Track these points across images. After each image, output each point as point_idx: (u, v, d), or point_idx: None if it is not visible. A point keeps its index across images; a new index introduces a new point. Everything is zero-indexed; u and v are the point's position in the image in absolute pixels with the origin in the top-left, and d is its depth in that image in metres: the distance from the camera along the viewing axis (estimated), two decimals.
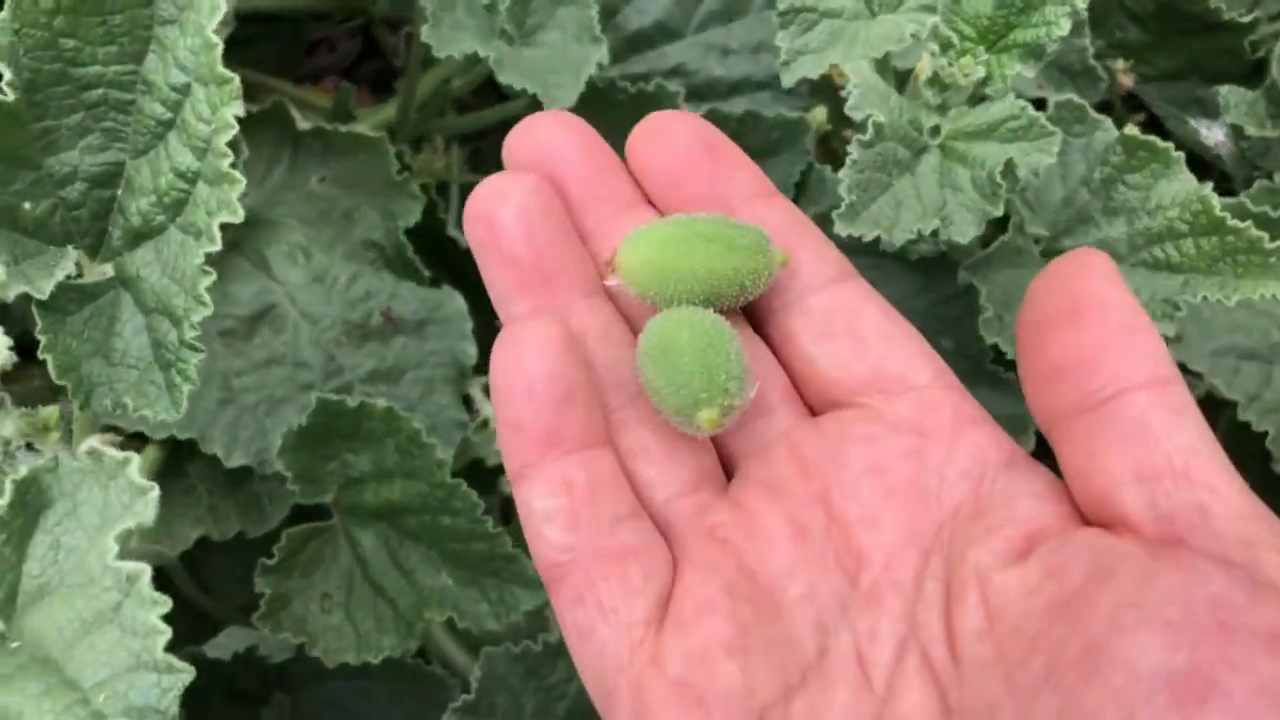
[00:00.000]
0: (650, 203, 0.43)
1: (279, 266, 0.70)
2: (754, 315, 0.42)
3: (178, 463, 0.70)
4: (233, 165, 0.39)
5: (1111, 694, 0.29)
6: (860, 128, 0.57)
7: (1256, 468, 0.74)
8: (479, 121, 0.94)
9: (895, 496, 0.37)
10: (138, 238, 0.44)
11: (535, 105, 0.81)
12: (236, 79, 0.39)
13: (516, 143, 0.42)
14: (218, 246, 0.40)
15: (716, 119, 0.77)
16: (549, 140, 0.42)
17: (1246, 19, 0.92)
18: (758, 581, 0.37)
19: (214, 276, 0.41)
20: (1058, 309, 0.35)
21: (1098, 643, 0.30)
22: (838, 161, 0.87)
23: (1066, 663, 0.31)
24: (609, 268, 0.41)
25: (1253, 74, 0.93)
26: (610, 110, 0.78)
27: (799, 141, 0.77)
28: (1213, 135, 0.96)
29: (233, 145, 0.40)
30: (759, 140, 0.78)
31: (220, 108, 0.39)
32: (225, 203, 0.40)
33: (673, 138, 0.42)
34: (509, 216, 0.39)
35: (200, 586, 0.74)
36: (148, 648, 0.32)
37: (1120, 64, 0.96)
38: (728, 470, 0.41)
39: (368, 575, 0.63)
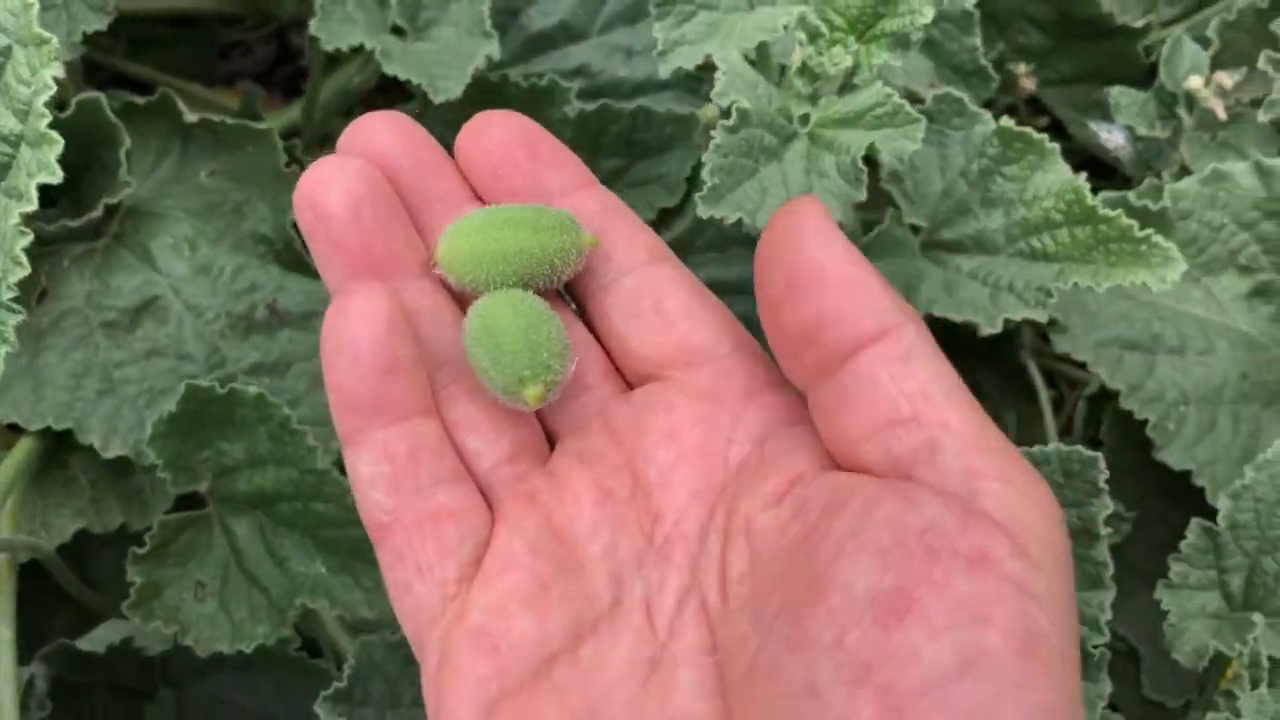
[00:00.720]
0: (479, 199, 0.44)
1: (163, 259, 0.70)
2: (575, 298, 0.45)
3: (59, 454, 0.69)
4: (51, 126, 0.39)
5: (828, 616, 0.32)
6: (726, 114, 0.58)
7: (1140, 455, 0.75)
8: None
9: (687, 458, 0.39)
10: None
11: (427, 100, 0.81)
12: (54, 39, 0.39)
13: (347, 145, 0.43)
14: (34, 207, 0.40)
15: (610, 114, 0.78)
16: (379, 142, 0.43)
17: (1140, 24, 0.94)
18: (563, 540, 0.39)
19: (31, 237, 0.41)
20: (781, 282, 0.36)
21: (822, 571, 0.33)
22: None
23: (798, 592, 0.33)
24: (432, 261, 0.42)
25: (1147, 77, 0.95)
26: (503, 105, 0.78)
27: (690, 136, 0.78)
28: (1113, 138, 0.98)
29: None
30: (652, 136, 0.78)
31: (40, 69, 0.39)
32: (45, 164, 0.40)
33: (496, 136, 0.44)
34: (335, 201, 0.40)
35: (86, 581, 0.73)
36: None
37: (1022, 67, 0.98)
38: (551, 445, 0.43)
39: (242, 564, 0.62)
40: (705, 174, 0.56)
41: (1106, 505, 0.58)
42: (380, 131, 0.43)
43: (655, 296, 0.42)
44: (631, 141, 0.78)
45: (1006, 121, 0.69)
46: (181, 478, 0.62)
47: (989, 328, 0.66)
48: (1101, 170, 0.99)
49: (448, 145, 0.82)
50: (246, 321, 0.70)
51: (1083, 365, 0.78)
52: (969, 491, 0.33)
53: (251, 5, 1.04)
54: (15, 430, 0.67)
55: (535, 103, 0.78)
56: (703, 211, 0.56)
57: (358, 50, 0.73)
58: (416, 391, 0.39)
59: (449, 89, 0.71)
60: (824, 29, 0.61)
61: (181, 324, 0.69)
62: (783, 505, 0.36)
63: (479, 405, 0.41)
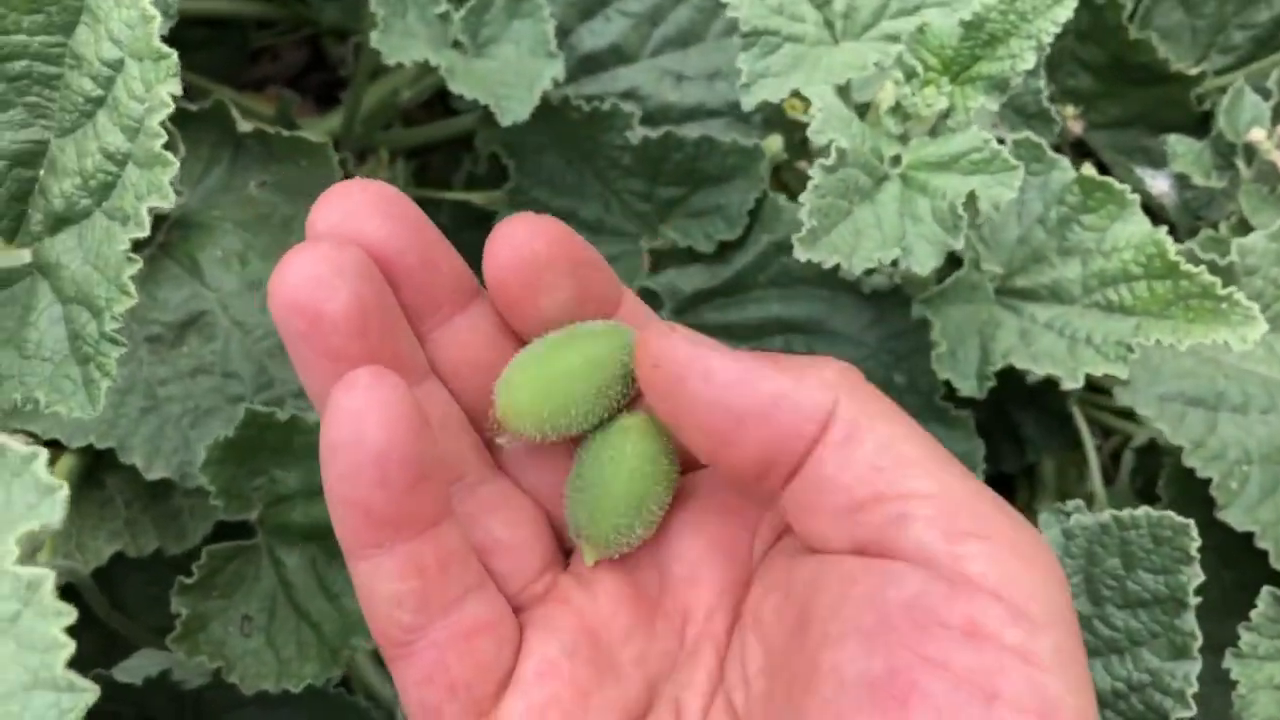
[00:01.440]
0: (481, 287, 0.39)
1: (211, 272, 0.67)
2: None
3: (95, 473, 0.66)
4: (166, 146, 0.37)
5: (824, 706, 0.31)
6: (823, 153, 0.56)
7: (1203, 513, 0.74)
8: (426, 135, 0.92)
9: (712, 552, 0.38)
10: (60, 222, 0.41)
11: (486, 119, 0.79)
12: (174, 54, 0.37)
13: (329, 223, 0.36)
14: (146, 232, 0.37)
15: (672, 143, 0.76)
16: (370, 226, 0.36)
17: (1194, 72, 0.93)
18: (598, 643, 0.37)
19: (139, 264, 0.38)
20: (702, 434, 0.35)
21: (812, 658, 0.32)
22: (790, 192, 0.86)
23: (797, 682, 0.32)
24: (494, 425, 0.38)
25: (1198, 125, 0.94)
26: (563, 127, 0.76)
27: (754, 169, 0.75)
28: (1157, 184, 0.97)
29: (167, 130, 0.37)
30: (714, 166, 0.76)
31: (155, 85, 0.37)
32: (156, 186, 0.37)
33: (526, 242, 0.37)
34: (339, 310, 0.34)
35: (114, 605, 0.70)
36: (47, 663, 0.29)
37: (1070, 110, 0.97)
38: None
39: (291, 598, 0.60)
40: (804, 215, 0.54)
41: (1198, 574, 0.56)
42: (369, 211, 0.36)
43: None
44: (693, 171, 0.76)
45: (1088, 170, 0.67)
46: (233, 505, 0.59)
47: (1070, 382, 0.64)
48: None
49: (503, 165, 0.80)
50: None
51: (1127, 414, 0.77)
52: (952, 556, 0.31)
53: (288, 10, 1.02)
54: (54, 446, 0.63)
55: (595, 126, 0.76)
56: (800, 255, 0.54)
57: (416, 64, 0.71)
58: (440, 497, 0.35)
59: (515, 111, 0.69)
60: (919, 69, 0.59)
61: (229, 341, 0.66)
62: (777, 593, 0.35)
63: (502, 523, 0.38)
